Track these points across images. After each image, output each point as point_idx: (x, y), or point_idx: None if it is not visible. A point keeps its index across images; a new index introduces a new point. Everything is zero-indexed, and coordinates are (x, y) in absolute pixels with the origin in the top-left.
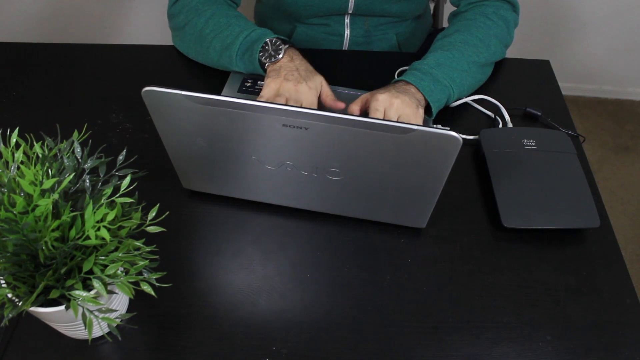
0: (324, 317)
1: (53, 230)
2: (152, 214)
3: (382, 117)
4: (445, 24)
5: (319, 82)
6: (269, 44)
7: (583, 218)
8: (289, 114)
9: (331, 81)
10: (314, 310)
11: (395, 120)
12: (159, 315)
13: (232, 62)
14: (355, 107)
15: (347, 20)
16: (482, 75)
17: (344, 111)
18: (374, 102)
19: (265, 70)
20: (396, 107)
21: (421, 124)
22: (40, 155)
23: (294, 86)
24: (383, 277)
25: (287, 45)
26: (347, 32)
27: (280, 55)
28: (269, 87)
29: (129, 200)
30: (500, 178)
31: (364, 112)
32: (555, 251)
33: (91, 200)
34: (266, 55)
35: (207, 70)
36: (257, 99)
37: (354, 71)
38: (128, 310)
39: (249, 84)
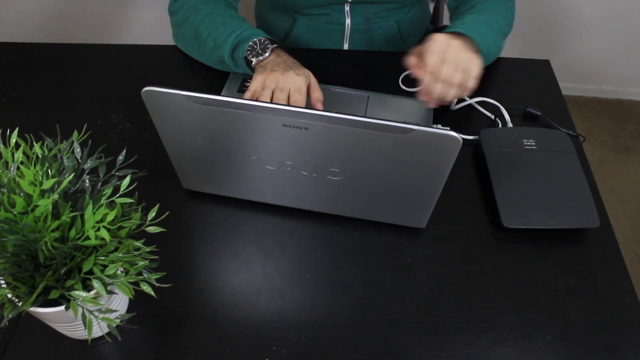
0: (324, 317)
1: (53, 231)
2: (152, 214)
3: (438, 60)
4: (445, 23)
5: (307, 73)
6: (257, 42)
7: (583, 218)
8: (289, 114)
9: (331, 81)
10: (314, 310)
11: (454, 65)
12: (159, 316)
13: (225, 60)
14: (412, 58)
15: (347, 8)
16: (501, 47)
17: (345, 111)
18: (431, 42)
19: (253, 70)
20: (455, 48)
21: (479, 71)
22: (40, 156)
23: (280, 75)
24: (383, 277)
25: (274, 45)
26: (348, 20)
27: (267, 54)
28: (256, 80)
29: (128, 200)
30: (500, 178)
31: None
32: (555, 251)
33: (91, 201)
34: (253, 53)
35: (207, 70)
36: (244, 95)
37: (354, 71)
38: (128, 311)
39: (248, 84)
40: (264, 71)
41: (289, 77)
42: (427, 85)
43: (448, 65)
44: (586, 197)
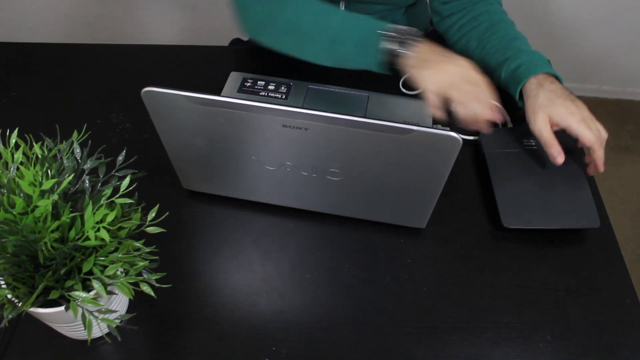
0: (324, 317)
1: (52, 231)
2: (152, 214)
3: (593, 134)
4: None
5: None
6: (396, 32)
7: (583, 218)
8: (289, 115)
9: (331, 81)
10: (314, 310)
11: (599, 126)
12: (159, 316)
13: (347, 57)
14: (556, 145)
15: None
16: None
17: (345, 111)
18: (577, 126)
19: (384, 63)
20: (587, 112)
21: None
22: (39, 156)
23: (455, 66)
24: (383, 277)
25: (414, 29)
26: None
27: (417, 42)
28: (433, 76)
29: (128, 200)
30: (500, 178)
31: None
32: (555, 251)
33: (91, 201)
34: (396, 44)
35: (207, 70)
36: (429, 94)
37: (354, 71)
38: (128, 311)
39: (248, 84)
40: (435, 64)
41: (462, 64)
42: (599, 158)
43: (598, 129)
44: (586, 197)
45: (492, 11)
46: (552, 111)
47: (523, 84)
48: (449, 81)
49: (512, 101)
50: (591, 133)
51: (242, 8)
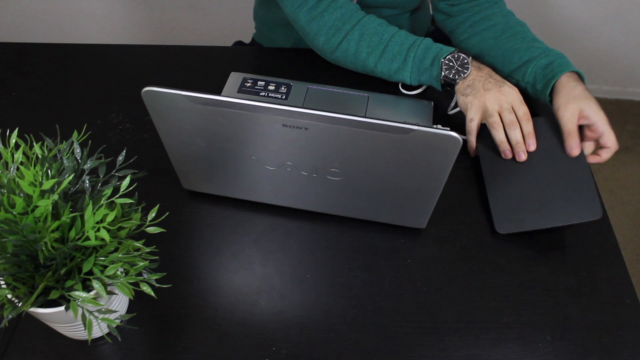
0: (324, 317)
1: (53, 231)
2: (152, 214)
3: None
4: None
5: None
6: (452, 60)
7: (583, 211)
8: (289, 114)
9: (331, 81)
10: (314, 310)
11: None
12: (159, 316)
13: (407, 81)
14: (577, 137)
15: None
16: None
17: (345, 111)
18: (604, 125)
19: (443, 84)
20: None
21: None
22: (39, 156)
23: (497, 93)
24: (383, 277)
25: (469, 57)
26: None
27: (469, 69)
28: (473, 105)
29: (128, 200)
30: (494, 182)
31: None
32: (555, 251)
33: (91, 201)
34: (453, 72)
35: (207, 70)
36: (468, 122)
37: (353, 71)
38: (128, 311)
39: (248, 84)
40: (477, 92)
41: (506, 92)
42: (603, 160)
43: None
44: (587, 187)
45: (505, 13)
46: (587, 104)
47: (558, 78)
48: (490, 108)
49: None
50: (614, 138)
51: (314, 35)
